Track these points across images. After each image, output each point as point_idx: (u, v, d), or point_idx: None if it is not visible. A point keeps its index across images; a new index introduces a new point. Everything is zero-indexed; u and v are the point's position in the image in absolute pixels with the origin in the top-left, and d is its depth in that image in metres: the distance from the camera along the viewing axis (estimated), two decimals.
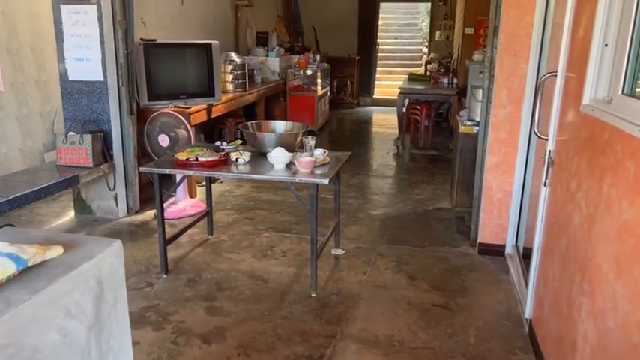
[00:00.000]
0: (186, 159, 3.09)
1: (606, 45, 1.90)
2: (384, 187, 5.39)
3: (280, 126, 3.65)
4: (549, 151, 2.48)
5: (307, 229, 3.85)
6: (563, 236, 2.20)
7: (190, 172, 3.13)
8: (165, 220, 3.43)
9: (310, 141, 3.25)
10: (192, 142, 4.26)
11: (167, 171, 3.05)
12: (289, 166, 3.08)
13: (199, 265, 3.44)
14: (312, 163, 2.99)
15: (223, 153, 3.22)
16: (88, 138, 3.87)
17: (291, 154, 3.10)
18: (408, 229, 4.14)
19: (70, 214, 4.38)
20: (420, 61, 11.79)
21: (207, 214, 3.88)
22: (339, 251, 3.63)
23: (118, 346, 1.20)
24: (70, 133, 3.92)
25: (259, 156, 3.24)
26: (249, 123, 3.61)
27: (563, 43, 2.36)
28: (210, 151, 3.23)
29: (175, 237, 3.47)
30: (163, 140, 4.22)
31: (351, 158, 3.53)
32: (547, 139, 2.51)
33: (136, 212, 4.37)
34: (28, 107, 4.82)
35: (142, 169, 3.14)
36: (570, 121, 2.24)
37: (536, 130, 2.65)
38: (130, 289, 3.10)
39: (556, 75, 2.42)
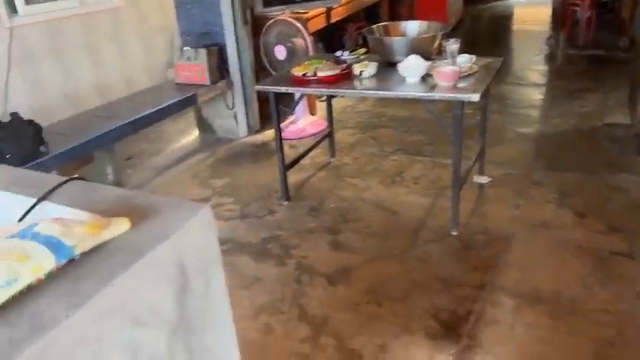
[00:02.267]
0: (304, 74, 2.67)
1: None
2: (534, 98, 4.53)
3: (413, 27, 3.01)
4: None
5: (442, 151, 3.32)
6: None
7: (308, 90, 2.71)
8: (285, 141, 3.13)
9: (452, 45, 2.61)
10: (311, 53, 3.81)
11: (283, 89, 2.66)
12: (425, 78, 2.51)
13: (322, 191, 3.13)
14: (455, 73, 2.39)
15: (345, 65, 2.73)
16: (202, 52, 3.60)
17: (427, 62, 2.51)
18: (570, 150, 3.38)
19: (195, 133, 4.31)
20: None
21: (329, 134, 3.50)
22: (484, 179, 3.05)
23: (216, 344, 0.90)
24: (185, 48, 3.69)
25: (388, 66, 2.70)
26: (374, 26, 3.03)
27: None
28: (331, 63, 2.75)
29: (295, 161, 3.17)
30: (280, 52, 3.82)
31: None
32: None
33: (257, 131, 4.15)
34: (148, 23, 4.69)
35: (257, 87, 2.80)
36: None
37: None
38: (251, 217, 2.90)
39: None
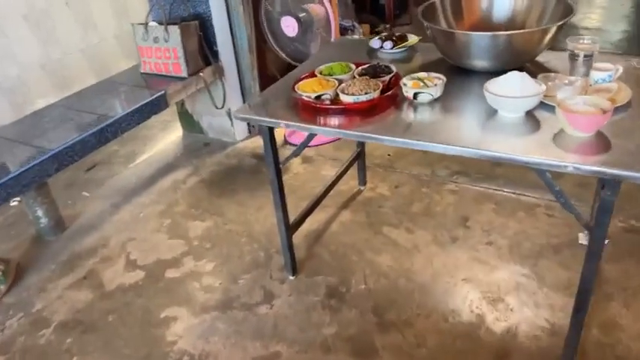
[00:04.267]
0: (318, 96, 1.56)
1: None
2: None
3: (503, 3, 1.82)
4: None
5: (525, 178, 2.18)
6: None
7: (325, 131, 1.58)
8: (294, 146, 2.06)
9: (584, 51, 1.45)
10: (334, 27, 2.64)
11: (281, 124, 1.56)
12: (533, 112, 1.39)
13: (346, 254, 2.10)
14: (600, 118, 1.25)
15: (387, 78, 1.61)
16: (175, 31, 2.48)
17: (541, 87, 1.38)
18: None
19: (178, 132, 3.27)
20: None
21: (359, 154, 2.40)
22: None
23: None
24: (151, 23, 2.57)
25: (460, 74, 1.59)
26: (437, 1, 1.84)
27: None
28: (363, 79, 1.60)
29: (308, 213, 2.09)
30: (289, 26, 2.66)
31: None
32: None
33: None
34: None
35: (235, 113, 1.68)
36: None
37: None
38: (237, 308, 1.91)
39: None
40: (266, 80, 3.09)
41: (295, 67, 2.35)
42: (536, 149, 1.26)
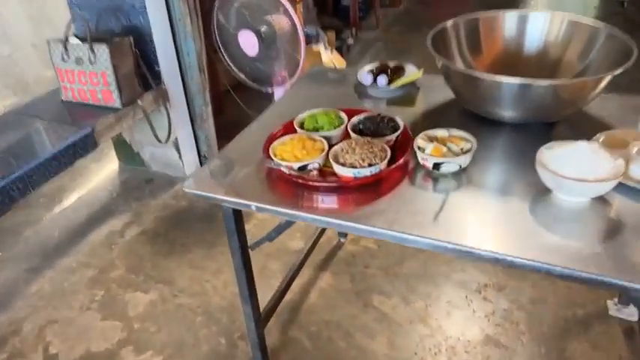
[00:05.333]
0: (302, 167, 1.12)
1: None
2: None
3: (533, 32, 1.43)
4: None
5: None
6: None
7: (309, 218, 1.13)
8: None
9: None
10: (303, 43, 2.19)
11: (252, 207, 1.10)
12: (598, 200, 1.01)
13: (330, 337, 1.67)
14: None
15: (394, 137, 1.19)
16: (103, 51, 1.95)
17: (619, 161, 1.00)
18: None
19: (114, 164, 2.72)
20: None
21: None
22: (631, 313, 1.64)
23: None
24: (73, 40, 2.02)
25: (483, 127, 1.21)
26: (449, 26, 1.43)
27: None
28: (363, 142, 1.15)
29: (290, 283, 1.65)
30: (248, 43, 2.18)
31: None
32: None
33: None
34: None
35: (187, 186, 1.27)
36: None
37: None
38: None
39: None
40: (218, 98, 2.60)
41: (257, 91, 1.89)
42: (620, 259, 0.88)
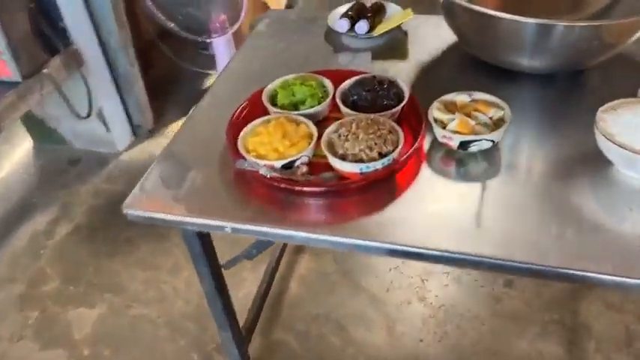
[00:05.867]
0: (286, 165, 0.81)
1: None
2: None
3: None
4: None
5: None
6: None
7: (302, 239, 0.84)
8: None
9: None
10: None
11: (226, 228, 0.80)
12: None
13: (321, 333, 1.44)
14: None
15: (399, 109, 0.90)
16: None
17: None
18: None
19: (27, 144, 2.26)
20: None
21: None
22: None
23: None
24: None
25: (498, 81, 0.96)
26: None
27: None
28: (367, 119, 0.86)
29: (268, 288, 1.39)
30: None
31: None
32: None
33: (150, 132, 2.21)
34: None
35: (128, 208, 0.95)
36: None
37: None
38: None
39: None
40: (143, 52, 2.16)
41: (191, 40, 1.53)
42: None
